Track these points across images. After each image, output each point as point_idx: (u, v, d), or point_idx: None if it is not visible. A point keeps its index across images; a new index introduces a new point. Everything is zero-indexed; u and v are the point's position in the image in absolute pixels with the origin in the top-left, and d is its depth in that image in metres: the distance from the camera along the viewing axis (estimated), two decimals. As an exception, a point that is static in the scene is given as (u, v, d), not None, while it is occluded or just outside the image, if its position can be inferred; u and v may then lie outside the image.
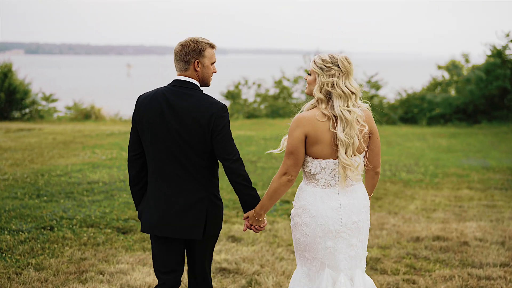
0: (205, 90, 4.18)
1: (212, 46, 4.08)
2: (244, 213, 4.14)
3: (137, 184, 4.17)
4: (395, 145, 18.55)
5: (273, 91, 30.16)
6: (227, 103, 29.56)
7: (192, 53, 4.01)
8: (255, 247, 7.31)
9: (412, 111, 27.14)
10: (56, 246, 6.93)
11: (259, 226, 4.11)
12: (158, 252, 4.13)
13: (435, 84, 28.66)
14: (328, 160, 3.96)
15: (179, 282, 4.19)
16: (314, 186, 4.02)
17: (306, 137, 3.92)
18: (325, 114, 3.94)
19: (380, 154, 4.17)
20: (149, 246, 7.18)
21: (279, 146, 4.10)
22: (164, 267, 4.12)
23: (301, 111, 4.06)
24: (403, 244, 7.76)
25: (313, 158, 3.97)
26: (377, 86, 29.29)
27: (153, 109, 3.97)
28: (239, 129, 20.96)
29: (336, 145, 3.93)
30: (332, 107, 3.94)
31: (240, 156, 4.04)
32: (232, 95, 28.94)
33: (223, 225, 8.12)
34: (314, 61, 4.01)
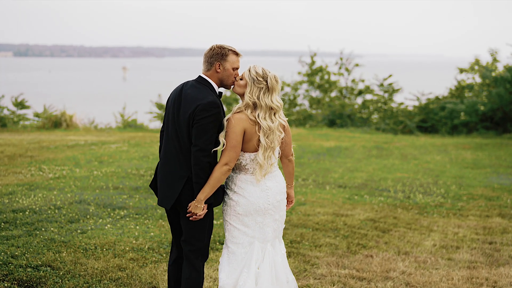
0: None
1: (236, 54, 5.02)
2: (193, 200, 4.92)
3: None
4: (410, 159, 16.89)
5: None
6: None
7: (215, 56, 4.95)
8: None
9: (432, 119, 25.40)
10: None
11: (197, 214, 4.86)
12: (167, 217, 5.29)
13: (459, 89, 26.84)
14: (255, 153, 5.05)
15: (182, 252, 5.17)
16: (244, 174, 5.09)
17: (244, 133, 4.95)
18: (251, 119, 4.99)
19: (291, 144, 5.26)
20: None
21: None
22: (171, 230, 5.25)
23: (233, 112, 5.04)
24: (414, 304, 6.06)
25: (244, 152, 5.03)
26: (390, 91, 27.57)
27: (172, 97, 5.04)
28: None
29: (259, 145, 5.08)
30: (257, 115, 5.00)
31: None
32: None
33: None
34: (249, 71, 5.01)
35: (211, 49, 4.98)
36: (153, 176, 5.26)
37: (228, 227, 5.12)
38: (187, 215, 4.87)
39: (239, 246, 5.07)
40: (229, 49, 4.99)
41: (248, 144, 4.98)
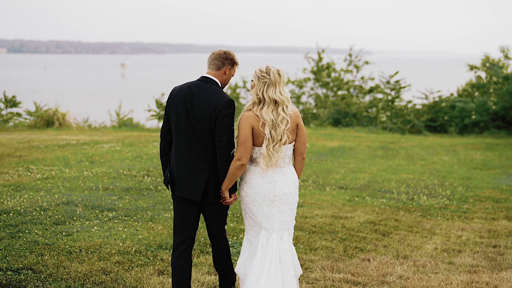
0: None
1: (237, 65, 5.87)
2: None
3: (164, 155, 5.88)
4: (417, 159, 16.88)
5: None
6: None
7: (229, 60, 5.74)
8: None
9: (441, 118, 25.35)
10: None
11: (226, 201, 5.73)
12: (177, 210, 5.84)
13: (476, 86, 26.72)
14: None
15: (192, 240, 5.83)
16: (255, 166, 5.68)
17: (252, 129, 5.54)
18: (257, 115, 5.56)
19: (306, 143, 5.77)
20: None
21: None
22: (179, 222, 5.82)
23: (244, 111, 5.67)
24: (409, 309, 6.06)
25: (254, 146, 5.62)
26: (397, 88, 27.50)
27: (179, 97, 5.69)
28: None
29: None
30: (260, 108, 5.57)
31: None
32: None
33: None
34: (255, 71, 5.61)
35: (226, 53, 5.75)
36: (166, 174, 5.85)
37: (244, 216, 5.75)
38: (221, 200, 5.69)
39: (253, 234, 5.68)
40: (237, 60, 5.82)
41: (258, 139, 5.56)
